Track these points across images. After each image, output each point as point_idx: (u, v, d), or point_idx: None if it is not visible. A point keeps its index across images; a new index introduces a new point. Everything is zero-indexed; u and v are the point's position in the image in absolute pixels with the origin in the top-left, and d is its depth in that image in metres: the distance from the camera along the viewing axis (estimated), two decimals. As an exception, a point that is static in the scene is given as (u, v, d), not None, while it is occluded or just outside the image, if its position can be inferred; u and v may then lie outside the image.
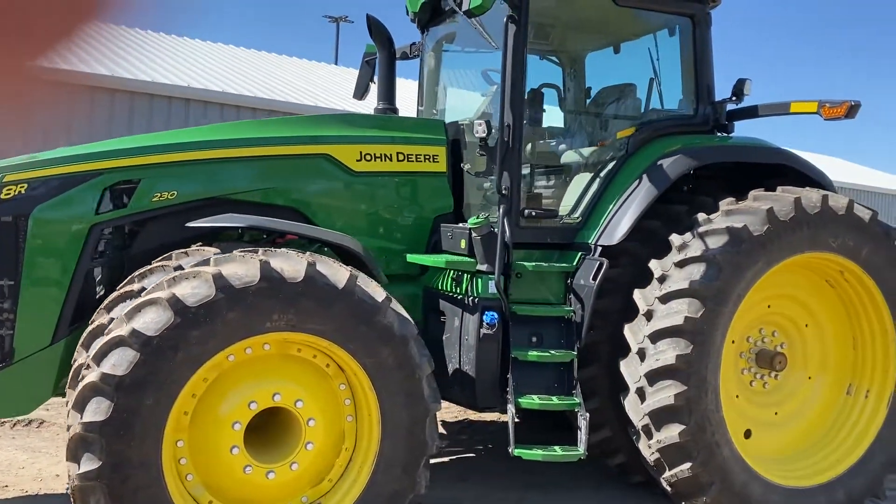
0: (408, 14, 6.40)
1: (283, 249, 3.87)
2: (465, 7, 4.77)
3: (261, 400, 3.74)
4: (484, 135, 5.05)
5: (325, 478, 3.96)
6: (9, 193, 4.34)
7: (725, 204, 4.90)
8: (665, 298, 4.62)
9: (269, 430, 3.92)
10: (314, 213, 5.16)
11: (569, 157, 5.78)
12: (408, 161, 5.44)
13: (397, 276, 5.52)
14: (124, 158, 4.67)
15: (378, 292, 3.87)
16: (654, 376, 4.56)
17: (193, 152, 4.84)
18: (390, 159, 5.36)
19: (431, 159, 5.51)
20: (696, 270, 4.58)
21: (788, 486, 4.88)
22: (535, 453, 4.65)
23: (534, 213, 5.19)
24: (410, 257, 5.28)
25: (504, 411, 5.12)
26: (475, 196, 5.71)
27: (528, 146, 6.14)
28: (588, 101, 6.61)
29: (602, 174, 5.41)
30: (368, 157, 5.29)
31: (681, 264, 4.66)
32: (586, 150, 5.69)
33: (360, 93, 6.71)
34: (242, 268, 3.61)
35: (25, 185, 4.37)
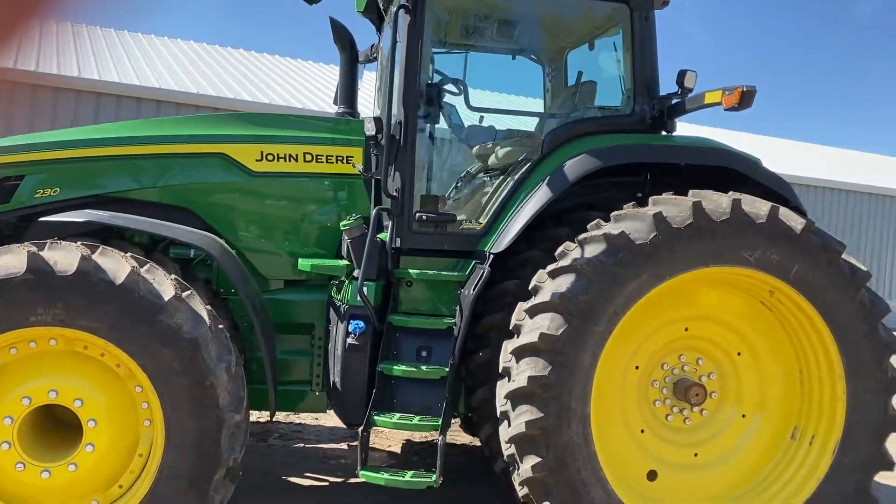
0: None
1: (74, 242, 3.74)
2: None
3: (36, 396, 3.62)
4: (372, 133, 4.74)
5: (118, 482, 3.78)
6: None
7: (626, 209, 4.28)
8: (532, 312, 4.08)
9: (61, 429, 3.80)
10: (208, 213, 5.03)
11: (492, 160, 5.32)
12: (317, 162, 5.20)
13: (308, 281, 5.29)
14: (8, 155, 4.76)
15: (166, 290, 3.66)
16: (513, 399, 4.03)
17: (78, 150, 4.86)
18: (296, 160, 5.15)
19: (345, 161, 5.25)
20: (564, 282, 4.01)
21: (690, 541, 4.15)
22: (380, 477, 4.25)
23: (424, 217, 4.79)
24: (301, 262, 5.02)
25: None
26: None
27: (476, 148, 5.80)
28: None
29: (516, 177, 4.92)
30: (271, 157, 5.10)
31: (553, 274, 4.11)
32: (502, 151, 5.20)
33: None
34: (13, 259, 3.52)
35: None
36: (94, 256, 3.60)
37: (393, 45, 4.79)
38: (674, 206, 4.09)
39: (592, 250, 4.04)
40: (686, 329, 4.46)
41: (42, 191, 4.76)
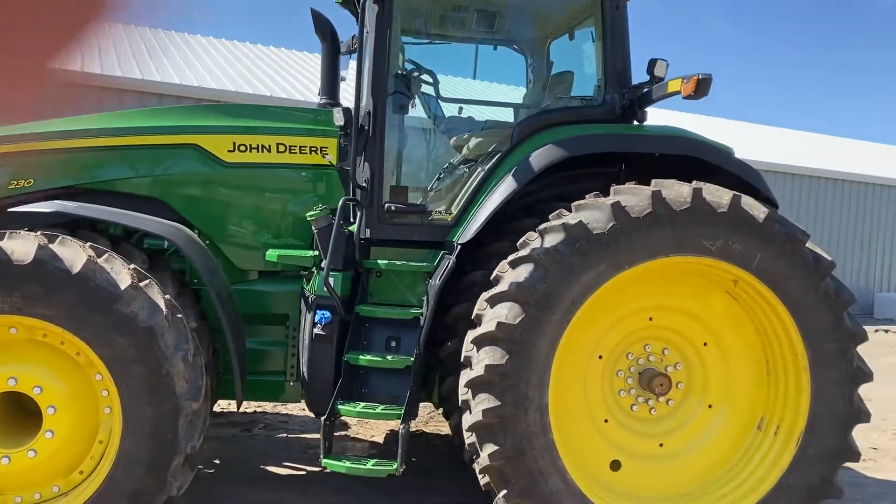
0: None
1: (33, 233, 3.79)
2: None
3: (-5, 384, 3.68)
4: (341, 123, 4.76)
5: (78, 468, 3.84)
6: None
7: (588, 198, 4.28)
8: (491, 301, 4.09)
9: (23, 416, 3.86)
10: (181, 204, 5.09)
11: (465, 151, 5.32)
12: (290, 153, 5.23)
13: (282, 272, 5.33)
14: None
15: (123, 279, 3.70)
16: (473, 388, 4.05)
17: (51, 142, 4.92)
18: (269, 150, 5.18)
19: (319, 151, 5.27)
20: (523, 272, 4.02)
21: (651, 530, 4.15)
22: (342, 465, 4.29)
23: (393, 208, 4.81)
24: (269, 253, 5.05)
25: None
26: None
27: (454, 139, 5.80)
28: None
29: (486, 168, 4.92)
30: (243, 148, 5.14)
31: (513, 264, 4.12)
32: (473, 142, 5.20)
33: None
34: (-29, 249, 3.57)
35: None
36: (51, 246, 3.65)
37: (362, 35, 4.81)
38: (633, 196, 4.08)
39: (551, 240, 4.04)
40: (650, 319, 4.44)
41: (16, 182, 4.83)
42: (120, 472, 3.72)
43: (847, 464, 7.02)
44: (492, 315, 4.04)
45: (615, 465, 4.39)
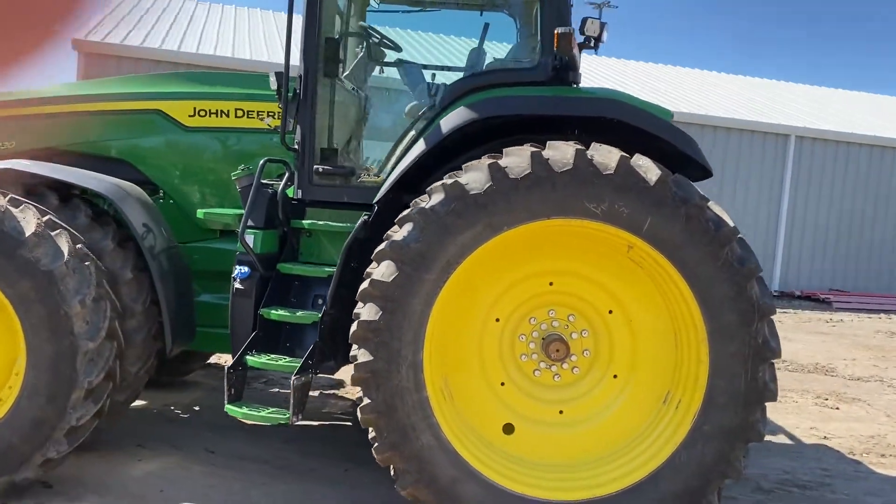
0: None
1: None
2: None
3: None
4: (275, 87, 4.96)
5: (-2, 398, 4.29)
6: None
7: (483, 159, 4.25)
8: (377, 258, 4.17)
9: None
10: (146, 166, 5.49)
11: (404, 115, 5.38)
12: (248, 118, 5.51)
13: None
14: None
15: (29, 226, 4.09)
16: (354, 342, 4.16)
17: (32, 108, 5.43)
18: (227, 115, 5.48)
19: (277, 116, 5.50)
20: (403, 231, 4.08)
21: (528, 494, 4.10)
22: (240, 412, 4.52)
23: (321, 170, 4.96)
24: (198, 212, 5.34)
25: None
26: None
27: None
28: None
29: (417, 130, 4.98)
30: (203, 113, 5.46)
31: (400, 223, 4.17)
32: (409, 106, 5.25)
33: None
34: None
35: None
36: (-36, 194, 4.08)
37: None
38: (516, 157, 4.03)
39: (434, 199, 4.06)
40: (551, 284, 4.37)
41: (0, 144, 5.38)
42: (24, 402, 4.13)
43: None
44: (374, 273, 4.13)
45: (508, 429, 4.37)
